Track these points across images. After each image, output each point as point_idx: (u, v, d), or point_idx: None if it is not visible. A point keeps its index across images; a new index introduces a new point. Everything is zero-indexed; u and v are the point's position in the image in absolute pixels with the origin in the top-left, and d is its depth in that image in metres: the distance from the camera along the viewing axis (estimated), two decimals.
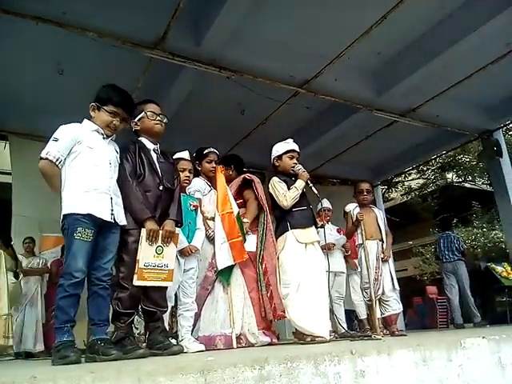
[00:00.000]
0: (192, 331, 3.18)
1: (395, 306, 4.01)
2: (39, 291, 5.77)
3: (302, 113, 6.07)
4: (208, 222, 3.46)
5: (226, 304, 3.40)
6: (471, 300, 6.31)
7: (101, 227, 2.36)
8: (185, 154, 3.33)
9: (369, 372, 1.76)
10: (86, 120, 2.55)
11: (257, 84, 4.96)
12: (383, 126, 6.52)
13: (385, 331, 3.98)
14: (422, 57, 5.03)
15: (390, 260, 4.19)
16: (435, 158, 11.35)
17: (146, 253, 2.45)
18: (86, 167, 2.39)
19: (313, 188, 3.31)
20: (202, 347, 2.99)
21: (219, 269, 3.36)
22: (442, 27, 4.76)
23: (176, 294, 3.14)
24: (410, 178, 14.18)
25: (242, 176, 3.80)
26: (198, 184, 3.53)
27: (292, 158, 3.36)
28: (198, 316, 3.32)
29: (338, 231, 5.34)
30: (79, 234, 2.26)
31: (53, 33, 4.00)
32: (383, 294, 3.98)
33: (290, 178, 3.34)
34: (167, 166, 2.77)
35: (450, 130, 6.70)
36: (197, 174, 3.58)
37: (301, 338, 3.08)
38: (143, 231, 2.46)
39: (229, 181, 3.71)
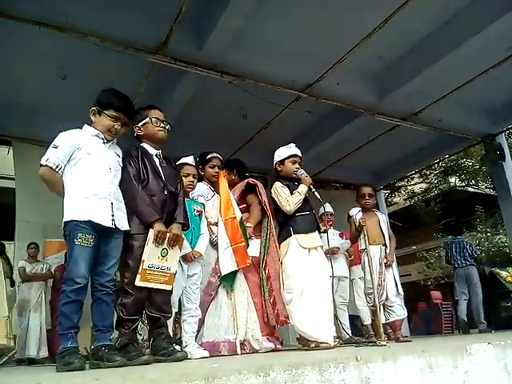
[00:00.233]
0: (196, 337, 3.17)
1: (399, 312, 3.98)
2: (43, 297, 5.77)
3: (303, 117, 6.08)
4: (211, 227, 3.45)
5: (229, 310, 3.38)
6: (480, 306, 6.29)
7: (102, 233, 2.36)
8: (189, 159, 3.34)
9: (374, 379, 1.74)
10: (86, 125, 2.55)
11: (259, 88, 4.97)
12: (385, 130, 6.52)
13: (392, 336, 3.95)
14: (424, 61, 5.04)
15: (394, 265, 4.16)
16: (438, 162, 11.33)
17: (151, 254, 2.44)
18: (86, 173, 2.39)
19: (315, 193, 3.30)
20: (206, 353, 2.97)
21: (223, 274, 3.35)
22: (444, 31, 4.76)
23: (180, 300, 3.13)
24: (412, 182, 14.17)
25: (246, 181, 3.80)
26: (202, 189, 3.53)
27: (294, 162, 3.35)
28: (201, 322, 3.31)
29: (341, 236, 5.33)
30: (80, 240, 2.27)
31: (55, 38, 4.02)
32: (387, 299, 3.95)
33: (292, 182, 3.33)
34: (170, 170, 2.78)
35: (452, 134, 6.69)
36: (200, 178, 3.58)
37: (305, 343, 3.06)
38: (151, 232, 2.45)
39: (231, 185, 3.70)
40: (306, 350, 2.96)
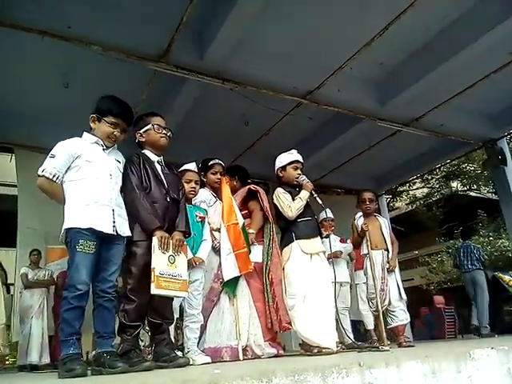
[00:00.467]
0: (198, 343, 3.16)
1: (402, 317, 3.97)
2: (45, 303, 5.77)
3: (305, 123, 6.10)
4: (214, 233, 3.46)
5: (231, 315, 3.38)
6: (485, 311, 6.28)
7: (103, 239, 2.37)
8: (191, 166, 3.35)
9: None
10: (85, 133, 2.56)
11: (260, 95, 5.00)
12: (387, 135, 6.54)
13: (398, 341, 3.93)
14: (425, 66, 5.06)
15: (397, 270, 4.15)
16: (439, 167, 11.33)
17: (159, 261, 2.43)
18: (86, 181, 2.40)
19: (317, 198, 3.31)
20: (208, 359, 2.97)
21: (225, 280, 3.35)
22: (445, 37, 4.79)
23: (181, 306, 3.13)
24: (414, 187, 14.17)
25: (248, 187, 3.80)
26: (204, 195, 3.54)
27: (296, 168, 3.36)
28: (203, 328, 3.30)
29: (341, 241, 5.32)
30: (81, 247, 2.27)
31: (58, 46, 4.05)
32: (389, 304, 3.94)
33: (294, 188, 3.34)
34: (172, 177, 2.79)
35: (454, 139, 6.70)
36: (202, 185, 3.59)
37: (307, 349, 3.05)
38: (155, 240, 2.45)
39: (233, 191, 3.71)
40: (309, 355, 2.95)
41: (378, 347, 3.06)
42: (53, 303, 5.68)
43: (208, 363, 2.90)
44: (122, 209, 2.50)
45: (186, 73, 4.51)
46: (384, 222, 4.31)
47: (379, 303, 3.78)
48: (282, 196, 3.26)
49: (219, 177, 3.64)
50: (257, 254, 3.58)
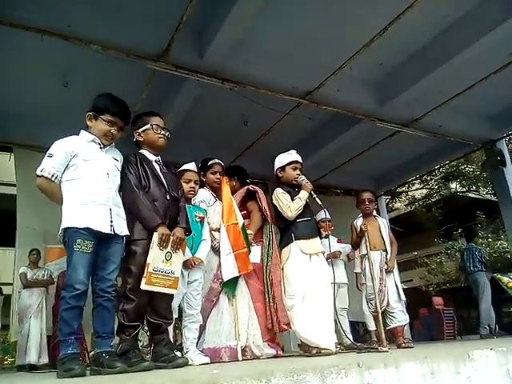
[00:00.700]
0: (197, 343, 3.16)
1: (401, 318, 3.97)
2: (44, 303, 5.76)
3: (304, 123, 6.10)
4: (213, 233, 3.46)
5: (231, 316, 3.38)
6: (484, 312, 6.32)
7: (101, 239, 2.36)
8: (191, 166, 3.35)
9: None
10: (82, 131, 2.56)
11: (259, 95, 4.99)
12: (386, 136, 6.54)
13: (397, 342, 3.93)
14: (425, 67, 5.06)
15: (395, 270, 4.15)
16: (439, 168, 11.34)
17: (156, 257, 2.44)
18: (83, 180, 2.40)
19: (316, 199, 3.31)
20: (207, 360, 2.96)
21: (224, 280, 3.34)
22: (444, 37, 4.79)
23: (180, 306, 3.13)
24: (413, 187, 14.17)
25: (246, 187, 3.80)
26: (203, 195, 3.53)
27: (295, 169, 3.36)
28: (202, 328, 3.30)
29: (338, 241, 5.33)
30: (78, 246, 2.27)
31: (58, 45, 4.04)
32: (388, 305, 3.94)
33: (293, 188, 3.33)
34: (171, 176, 2.79)
35: (453, 140, 6.70)
36: (201, 185, 3.59)
37: (306, 350, 3.05)
38: (155, 236, 2.45)
39: (232, 192, 3.70)
40: (308, 356, 2.94)
41: (377, 348, 3.05)
42: (53, 302, 5.66)
43: (207, 363, 2.90)
44: (120, 208, 2.49)
45: (185, 72, 4.51)
46: (383, 223, 4.32)
47: (378, 304, 3.77)
48: (281, 196, 3.26)
49: (218, 177, 3.64)
50: (255, 254, 3.57)
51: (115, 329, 2.44)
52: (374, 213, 4.44)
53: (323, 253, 3.27)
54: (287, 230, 3.24)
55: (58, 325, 2.35)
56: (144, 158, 2.71)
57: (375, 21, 4.29)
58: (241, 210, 3.62)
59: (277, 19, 4.33)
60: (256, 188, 3.82)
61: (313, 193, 3.29)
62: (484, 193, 14.55)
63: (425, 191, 14.91)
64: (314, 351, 2.92)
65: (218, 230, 3.46)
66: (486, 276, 6.77)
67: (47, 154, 2.42)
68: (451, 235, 14.11)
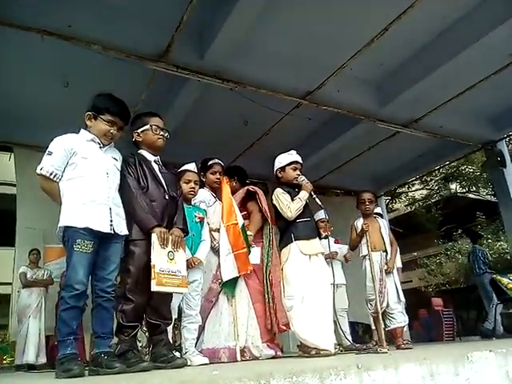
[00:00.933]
0: (196, 344, 3.16)
1: (400, 319, 3.96)
2: (43, 303, 5.76)
3: (304, 124, 6.09)
4: (213, 233, 3.45)
5: (230, 316, 3.38)
6: (489, 314, 6.38)
7: (101, 238, 2.36)
8: (191, 166, 3.35)
9: None
10: (82, 130, 2.55)
11: (260, 95, 4.99)
12: (386, 136, 6.53)
13: (396, 343, 3.92)
14: (425, 68, 5.06)
15: (395, 271, 4.14)
16: (439, 169, 11.34)
17: (159, 258, 2.43)
18: (83, 179, 2.39)
19: (316, 199, 3.31)
20: (206, 360, 2.96)
21: (224, 280, 3.34)
22: (445, 38, 4.79)
23: (179, 307, 3.12)
24: (413, 188, 14.16)
25: (246, 188, 3.80)
26: (203, 195, 3.53)
27: (295, 169, 3.36)
28: (201, 328, 3.29)
29: (336, 242, 5.33)
30: (78, 246, 2.26)
31: (58, 46, 4.04)
32: (388, 306, 3.93)
33: (293, 189, 3.33)
34: (170, 176, 2.79)
35: (453, 141, 6.70)
36: (201, 185, 3.59)
37: (305, 350, 3.04)
38: (154, 236, 2.44)
39: (232, 192, 3.70)
40: (307, 357, 2.94)
41: (376, 349, 3.05)
42: (56, 301, 5.63)
43: (206, 364, 2.90)
44: (120, 207, 2.49)
45: (185, 73, 4.51)
46: (383, 224, 4.31)
47: (378, 305, 3.77)
48: (281, 196, 3.26)
49: (218, 177, 3.64)
50: (255, 255, 3.57)
51: (114, 329, 2.44)
52: (378, 210, 4.41)
53: (323, 253, 3.27)
54: (287, 231, 3.24)
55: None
56: (143, 158, 2.71)
57: (376, 21, 4.29)
58: (241, 211, 3.62)
59: (277, 20, 4.33)
60: (256, 188, 3.82)
61: (313, 193, 3.29)
62: (484, 193, 14.53)
63: (425, 192, 14.90)
64: (313, 352, 2.92)
65: (218, 230, 3.45)
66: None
67: (47, 152, 2.41)
68: (451, 236, 14.09)
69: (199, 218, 3.26)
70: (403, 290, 4.20)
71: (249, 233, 3.56)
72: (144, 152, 2.75)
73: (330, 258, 4.37)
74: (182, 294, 2.86)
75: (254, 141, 6.33)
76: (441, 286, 13.05)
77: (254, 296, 3.50)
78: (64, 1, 3.82)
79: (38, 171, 2.38)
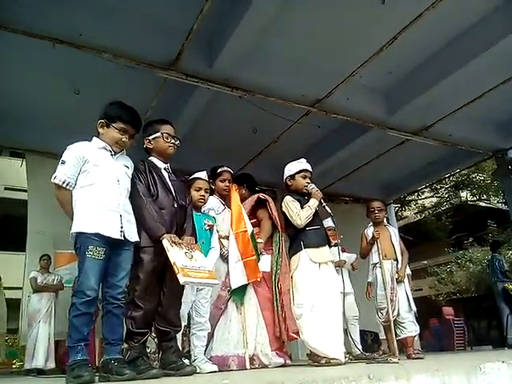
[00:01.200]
0: (205, 351, 3.15)
1: (411, 328, 3.91)
2: (53, 308, 5.79)
3: (313, 131, 6.09)
4: (222, 240, 3.46)
5: (239, 324, 3.36)
6: (505, 322, 6.37)
7: (112, 245, 2.37)
8: (202, 174, 3.36)
9: None
10: (94, 138, 2.58)
11: (269, 103, 5.00)
12: (396, 144, 6.50)
13: (407, 353, 3.88)
14: (434, 75, 5.04)
15: (406, 280, 4.10)
16: (449, 177, 11.25)
17: (178, 257, 2.41)
18: (94, 186, 2.41)
19: (326, 207, 3.30)
20: (215, 368, 2.95)
21: (233, 288, 3.34)
22: (454, 46, 4.77)
23: (188, 314, 3.12)
24: (423, 196, 14.04)
25: (256, 195, 3.80)
26: (212, 203, 3.54)
27: (305, 177, 3.36)
28: (210, 336, 3.29)
29: (342, 250, 5.30)
30: (91, 253, 2.28)
31: (69, 54, 4.09)
32: (398, 315, 3.89)
33: (302, 197, 3.33)
34: (179, 184, 2.80)
35: (463, 149, 6.65)
36: (211, 192, 3.60)
37: (315, 359, 3.02)
38: (165, 242, 2.43)
39: (241, 200, 3.71)
40: (317, 366, 2.92)
41: (386, 359, 3.02)
42: (68, 306, 5.67)
43: (215, 371, 2.89)
44: (130, 214, 2.50)
45: (195, 81, 4.54)
46: (394, 232, 4.28)
47: (390, 313, 3.73)
48: (290, 204, 3.26)
49: (228, 184, 3.65)
50: (265, 263, 3.57)
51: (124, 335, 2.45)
52: (385, 221, 4.40)
53: (332, 261, 3.26)
54: (296, 238, 3.24)
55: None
56: (153, 165, 2.72)
57: (385, 29, 4.29)
58: (250, 219, 3.62)
59: (286, 28, 4.35)
60: (266, 196, 3.82)
61: (322, 201, 3.28)
62: (495, 202, 14.38)
63: (435, 200, 14.77)
64: (323, 361, 2.90)
65: (227, 237, 3.46)
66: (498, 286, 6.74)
67: (60, 161, 2.44)
68: (461, 244, 13.94)
69: (209, 225, 3.27)
70: (413, 299, 4.16)
71: (259, 240, 3.56)
72: (154, 159, 2.77)
73: (339, 266, 4.34)
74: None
75: (263, 148, 6.34)
76: (451, 294, 12.89)
77: (263, 304, 3.48)
78: (76, 10, 3.88)
79: (52, 180, 2.41)
